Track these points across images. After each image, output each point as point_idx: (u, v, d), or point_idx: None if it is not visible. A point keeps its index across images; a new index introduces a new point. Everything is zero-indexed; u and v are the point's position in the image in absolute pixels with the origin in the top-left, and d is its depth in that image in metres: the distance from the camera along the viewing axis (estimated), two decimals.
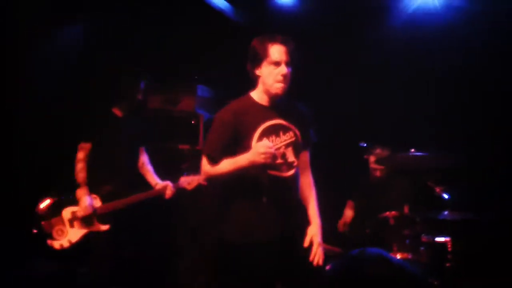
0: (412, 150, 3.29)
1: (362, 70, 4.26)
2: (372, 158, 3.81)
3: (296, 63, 2.53)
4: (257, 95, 2.60)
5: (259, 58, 2.53)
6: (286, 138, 2.55)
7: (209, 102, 4.37)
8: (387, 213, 3.45)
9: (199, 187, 3.31)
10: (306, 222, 2.57)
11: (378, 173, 3.81)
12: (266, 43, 2.53)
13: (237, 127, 2.51)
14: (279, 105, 2.60)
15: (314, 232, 2.52)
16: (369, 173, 3.89)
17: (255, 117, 2.54)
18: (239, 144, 2.48)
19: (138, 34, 4.23)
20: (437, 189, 3.22)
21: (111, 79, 3.45)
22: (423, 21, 4.13)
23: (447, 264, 3.19)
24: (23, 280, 3.65)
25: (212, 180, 2.57)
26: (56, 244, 3.23)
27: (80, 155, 3.30)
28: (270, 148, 2.36)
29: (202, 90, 4.31)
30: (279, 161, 2.50)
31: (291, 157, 2.55)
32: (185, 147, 4.22)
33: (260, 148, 2.37)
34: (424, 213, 3.38)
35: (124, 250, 3.42)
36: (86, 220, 3.26)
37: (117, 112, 3.39)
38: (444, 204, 3.27)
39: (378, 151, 3.79)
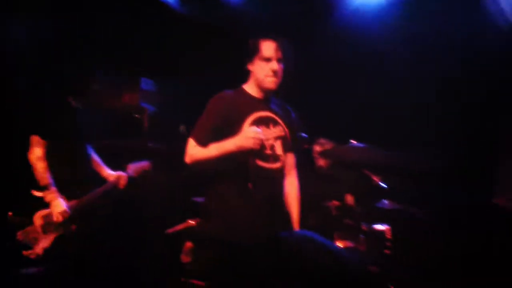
0: (352, 141, 3.39)
1: (309, 64, 4.32)
2: (316, 148, 3.89)
3: (289, 59, 2.60)
4: (250, 88, 2.66)
5: (251, 53, 2.60)
6: (276, 131, 2.61)
7: (153, 95, 4.32)
8: (329, 202, 3.53)
9: (144, 174, 3.32)
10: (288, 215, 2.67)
11: (321, 163, 3.89)
12: (258, 39, 2.60)
13: (227, 113, 2.54)
14: (271, 100, 2.66)
15: None
16: (312, 163, 3.97)
17: (246, 106, 2.59)
18: (228, 131, 2.49)
19: (97, 27, 4.12)
20: (375, 179, 3.33)
21: (68, 69, 3.35)
22: (367, 17, 4.23)
23: (386, 252, 3.31)
24: (22, 279, 3.42)
25: (196, 164, 2.55)
26: (33, 254, 3.04)
27: (38, 152, 3.07)
28: (259, 134, 2.39)
29: (146, 83, 4.26)
30: (267, 151, 2.54)
31: (279, 150, 2.60)
32: (130, 142, 4.16)
33: (249, 132, 2.39)
34: (364, 202, 3.49)
35: (94, 248, 3.32)
36: (58, 223, 3.10)
37: (73, 102, 3.25)
38: (383, 193, 3.39)
39: (322, 141, 3.87)
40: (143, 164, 3.29)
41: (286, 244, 1.23)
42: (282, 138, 2.61)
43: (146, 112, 4.21)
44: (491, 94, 3.83)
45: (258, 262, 2.42)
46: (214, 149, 2.48)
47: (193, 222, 3.34)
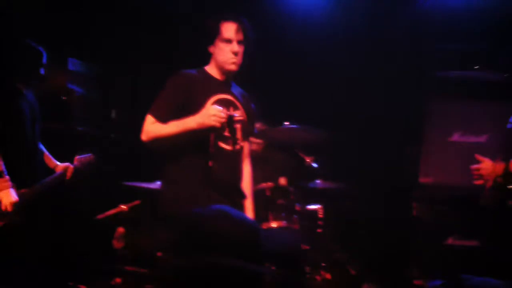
0: (286, 123, 3.43)
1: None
2: None
3: (250, 41, 2.57)
4: (211, 69, 2.62)
5: (212, 35, 2.55)
6: (236, 114, 2.56)
7: (82, 76, 4.15)
8: (263, 184, 3.55)
9: (90, 165, 3.27)
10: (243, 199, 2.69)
11: (254, 147, 3.90)
12: (218, 21, 2.55)
13: (189, 92, 2.50)
14: (232, 84, 2.65)
15: None
16: None
17: (208, 87, 2.55)
18: (188, 110, 2.44)
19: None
20: (307, 159, 3.39)
21: (14, 52, 3.22)
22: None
23: (318, 230, 3.40)
24: None
25: (154, 142, 2.47)
26: None
27: None
28: (221, 112, 2.38)
29: (73, 64, 4.07)
30: (226, 133, 2.52)
31: (238, 134, 2.58)
32: (57, 125, 3.98)
33: (211, 110, 2.38)
34: (297, 183, 3.54)
35: (43, 240, 3.22)
36: (6, 212, 2.95)
37: (19, 87, 3.12)
38: (315, 173, 3.46)
39: (256, 125, 3.88)
40: (89, 157, 3.27)
41: (201, 220, 1.22)
42: (241, 122, 2.61)
43: (73, 94, 4.04)
44: (417, 83, 3.97)
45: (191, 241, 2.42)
46: (174, 126, 2.43)
47: (125, 207, 3.27)
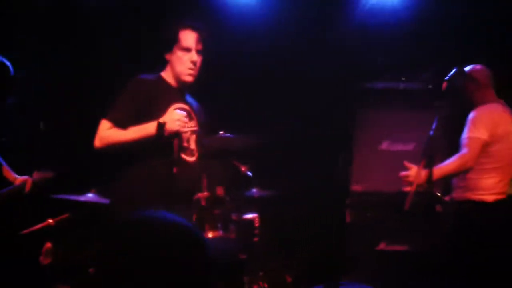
0: (221, 132, 3.42)
1: None
2: None
3: (210, 50, 2.54)
4: (168, 76, 2.57)
5: (170, 43, 2.50)
6: (191, 125, 2.56)
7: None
8: (199, 194, 3.51)
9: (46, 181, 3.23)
10: None
11: None
12: (177, 28, 2.51)
13: (149, 98, 2.46)
14: (187, 94, 2.62)
15: None
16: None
17: (166, 95, 2.52)
18: (148, 118, 2.40)
19: None
20: (242, 168, 3.39)
21: None
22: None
23: (255, 239, 3.40)
24: None
25: (109, 148, 2.41)
26: None
27: None
28: (184, 118, 2.39)
29: None
30: (185, 144, 2.53)
31: (193, 145, 2.59)
32: None
33: (175, 115, 2.35)
34: (233, 192, 3.53)
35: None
36: None
37: None
38: (251, 182, 3.47)
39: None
40: (48, 173, 3.25)
41: (137, 225, 1.19)
42: (196, 133, 2.60)
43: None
44: (347, 93, 4.07)
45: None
46: (134, 132, 2.38)
47: (52, 221, 3.15)
